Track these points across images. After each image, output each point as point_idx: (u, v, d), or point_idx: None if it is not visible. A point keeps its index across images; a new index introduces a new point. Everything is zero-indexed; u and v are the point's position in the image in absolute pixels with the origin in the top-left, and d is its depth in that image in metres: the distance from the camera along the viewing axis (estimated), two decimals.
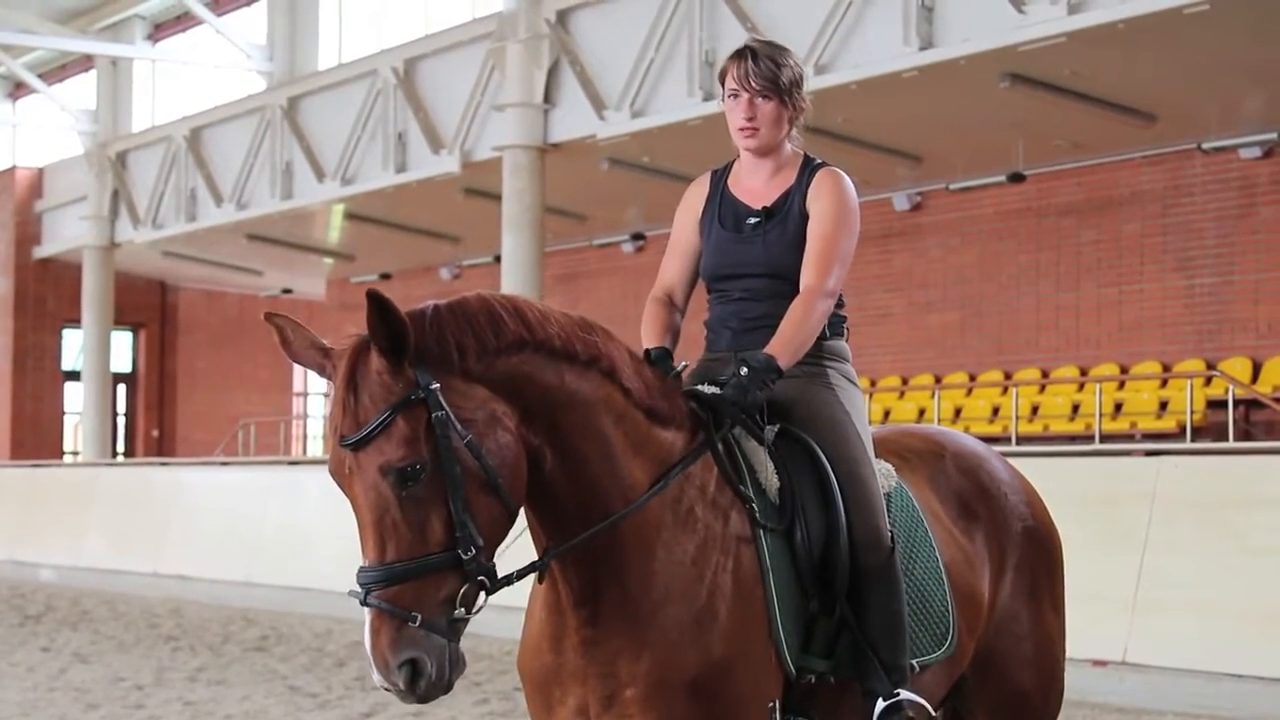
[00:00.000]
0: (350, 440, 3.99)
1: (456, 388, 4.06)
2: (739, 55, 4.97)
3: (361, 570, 4.00)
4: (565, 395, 4.26)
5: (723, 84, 5.01)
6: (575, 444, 4.28)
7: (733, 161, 5.13)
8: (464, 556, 3.99)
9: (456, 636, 4.02)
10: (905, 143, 22.72)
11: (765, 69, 4.91)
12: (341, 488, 4.09)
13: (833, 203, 4.91)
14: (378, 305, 3.95)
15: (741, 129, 4.96)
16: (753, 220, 4.97)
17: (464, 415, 4.04)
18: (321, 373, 4.17)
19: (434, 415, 3.99)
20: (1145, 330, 22.66)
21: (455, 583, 4.00)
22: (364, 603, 3.97)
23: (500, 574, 4.14)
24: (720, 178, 5.12)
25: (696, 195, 5.14)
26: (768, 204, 4.97)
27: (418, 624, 3.93)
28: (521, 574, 4.32)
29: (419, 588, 3.96)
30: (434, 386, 4.01)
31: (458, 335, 4.10)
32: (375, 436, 3.97)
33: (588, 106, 22.29)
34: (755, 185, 5.02)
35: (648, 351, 4.82)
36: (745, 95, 4.93)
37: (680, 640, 4.35)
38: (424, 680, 3.94)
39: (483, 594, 4.08)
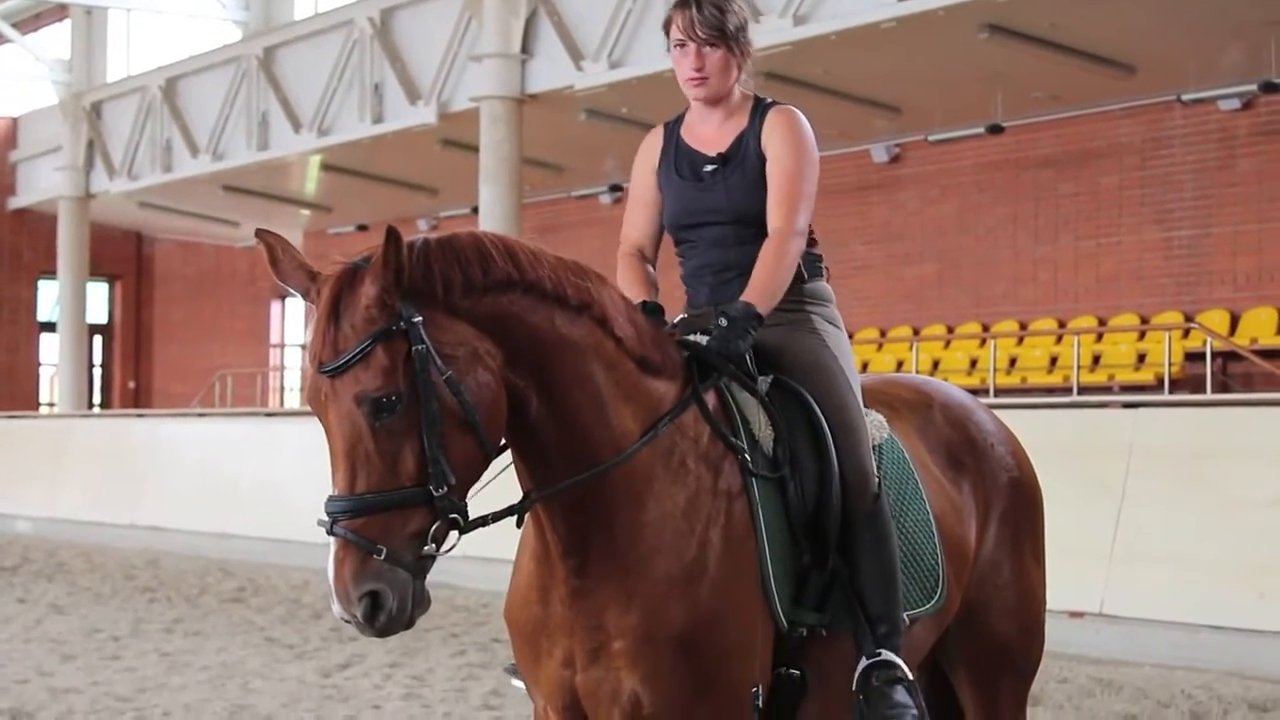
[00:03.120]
0: (328, 368, 3.95)
1: (440, 322, 4.01)
2: (683, 4, 4.90)
3: (330, 499, 3.95)
4: (554, 339, 4.21)
5: (667, 34, 4.95)
6: (563, 389, 4.23)
7: (685, 111, 5.08)
8: (435, 493, 3.95)
9: (423, 573, 3.98)
10: (884, 94, 22.69)
11: (710, 16, 4.85)
12: (317, 414, 4.04)
13: (789, 141, 4.86)
14: (395, 242, 3.91)
15: (690, 79, 4.91)
16: (710, 168, 4.93)
17: (445, 351, 4.00)
18: (305, 296, 4.11)
19: (414, 348, 3.95)
20: (1123, 283, 22.70)
21: (424, 518, 3.95)
22: (330, 531, 3.92)
23: (476, 515, 4.10)
24: (674, 128, 5.08)
25: (651, 147, 5.10)
26: (722, 150, 4.93)
27: (383, 556, 3.89)
28: (499, 516, 4.26)
29: (386, 521, 3.91)
30: (416, 319, 3.96)
31: (444, 269, 4.05)
32: (353, 365, 3.93)
33: (565, 57, 22.22)
34: (708, 132, 4.98)
35: (644, 303, 4.77)
36: (692, 45, 4.87)
37: (669, 593, 4.31)
38: (384, 614, 3.90)
39: (455, 533, 4.04)
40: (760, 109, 4.95)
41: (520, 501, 4.32)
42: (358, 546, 3.89)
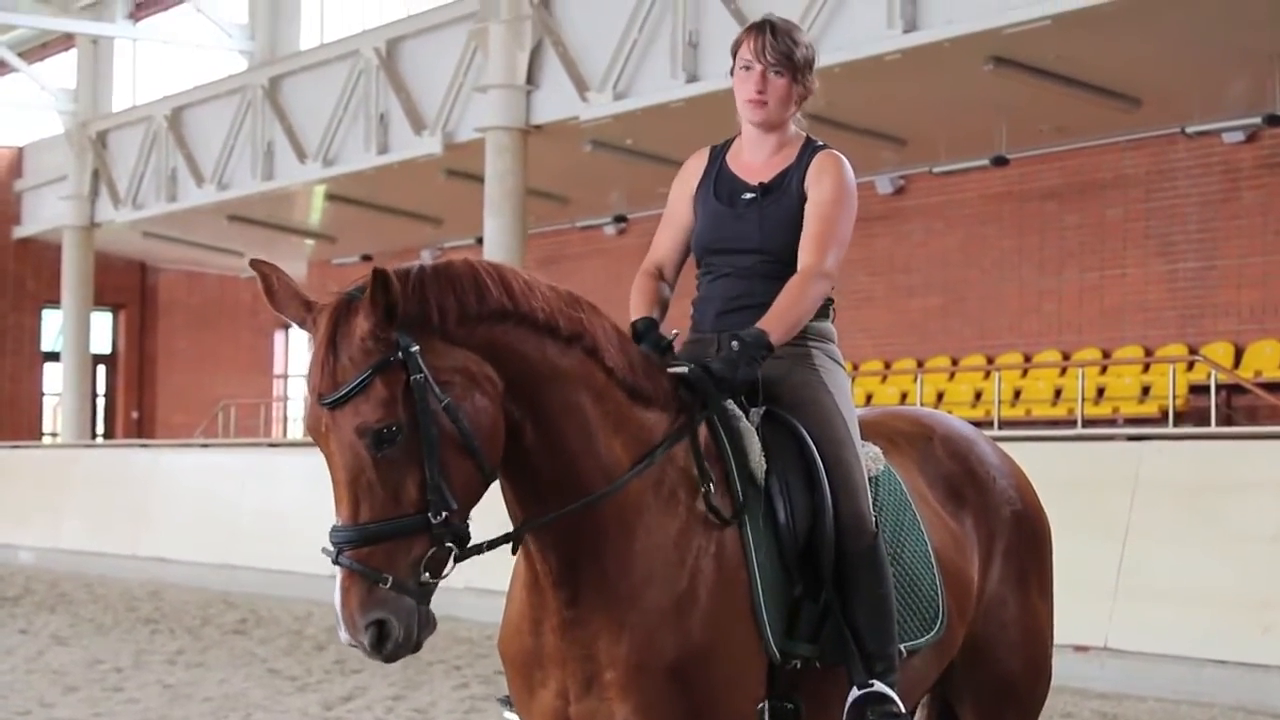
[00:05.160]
0: (328, 399, 3.98)
1: (436, 349, 4.04)
2: (758, 28, 4.96)
3: (334, 529, 3.99)
4: (546, 369, 4.24)
5: (734, 55, 5.00)
6: (555, 419, 4.26)
7: (733, 138, 5.11)
8: (433, 520, 3.99)
9: (427, 598, 4.02)
10: (889, 126, 22.71)
11: (782, 44, 4.91)
12: (318, 444, 4.07)
13: (833, 185, 4.89)
14: (381, 283, 3.93)
15: (751, 100, 4.94)
16: (748, 196, 4.95)
17: (442, 378, 4.03)
18: (302, 325, 4.14)
19: (413, 377, 3.98)
20: (1128, 315, 22.69)
21: (425, 545, 4.00)
22: (335, 561, 3.97)
23: (470, 544, 4.13)
24: (720, 153, 5.10)
25: (693, 169, 5.12)
26: (765, 180, 4.95)
27: (388, 585, 3.94)
28: (493, 544, 4.29)
29: (390, 549, 3.96)
30: (414, 349, 3.99)
31: (439, 297, 4.08)
32: (353, 397, 3.96)
33: (570, 88, 22.25)
34: (755, 161, 5.01)
35: (635, 323, 4.81)
36: (759, 67, 4.92)
37: (661, 624, 4.31)
38: (390, 641, 3.95)
39: (451, 559, 4.07)
40: (810, 149, 4.99)
41: (514, 530, 4.34)
42: (363, 576, 3.94)
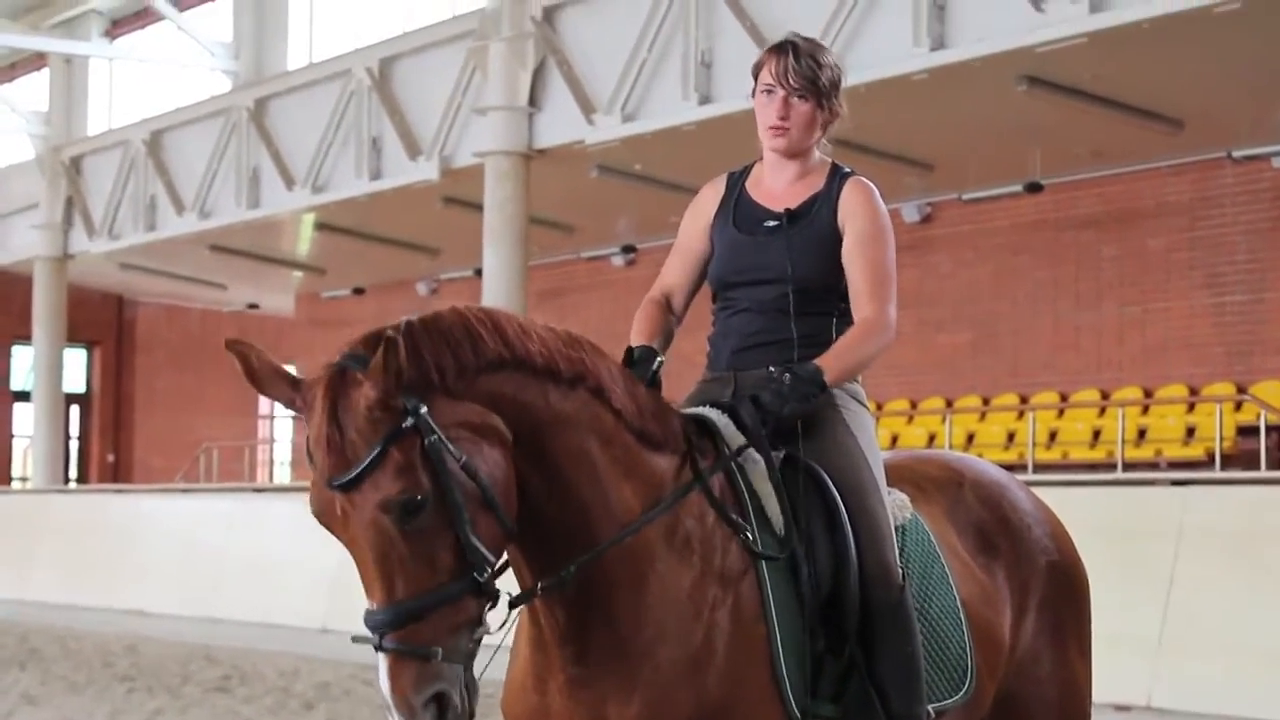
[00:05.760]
0: (341, 480, 3.96)
1: (442, 407, 4.04)
2: (779, 49, 4.98)
3: (370, 613, 3.99)
4: (549, 415, 4.25)
5: (755, 77, 5.01)
6: (562, 467, 4.27)
7: (752, 164, 5.12)
8: (480, 579, 4.01)
9: (471, 662, 4.05)
10: (915, 150, 22.74)
11: (806, 67, 4.92)
12: (331, 530, 4.06)
13: (870, 220, 4.91)
14: (393, 349, 3.92)
15: (773, 127, 4.96)
16: (771, 223, 4.95)
17: (453, 435, 4.03)
18: (290, 406, 4.11)
19: (427, 441, 3.97)
20: (1171, 351, 22.68)
21: (474, 608, 4.03)
22: (379, 648, 3.97)
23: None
24: (738, 180, 5.11)
25: (709, 198, 5.13)
26: (791, 206, 4.96)
27: (439, 658, 3.95)
28: (513, 604, 4.32)
29: (436, 621, 3.97)
30: (423, 410, 3.99)
31: (435, 355, 4.08)
32: (370, 473, 3.95)
33: (576, 110, 22.30)
34: (777, 188, 5.01)
35: (630, 350, 4.81)
36: (781, 92, 4.93)
37: (675, 681, 4.32)
38: (451, 713, 3.97)
39: (487, 617, 4.11)
40: (839, 176, 5.00)
41: (529, 591, 4.35)
42: (413, 656, 3.95)
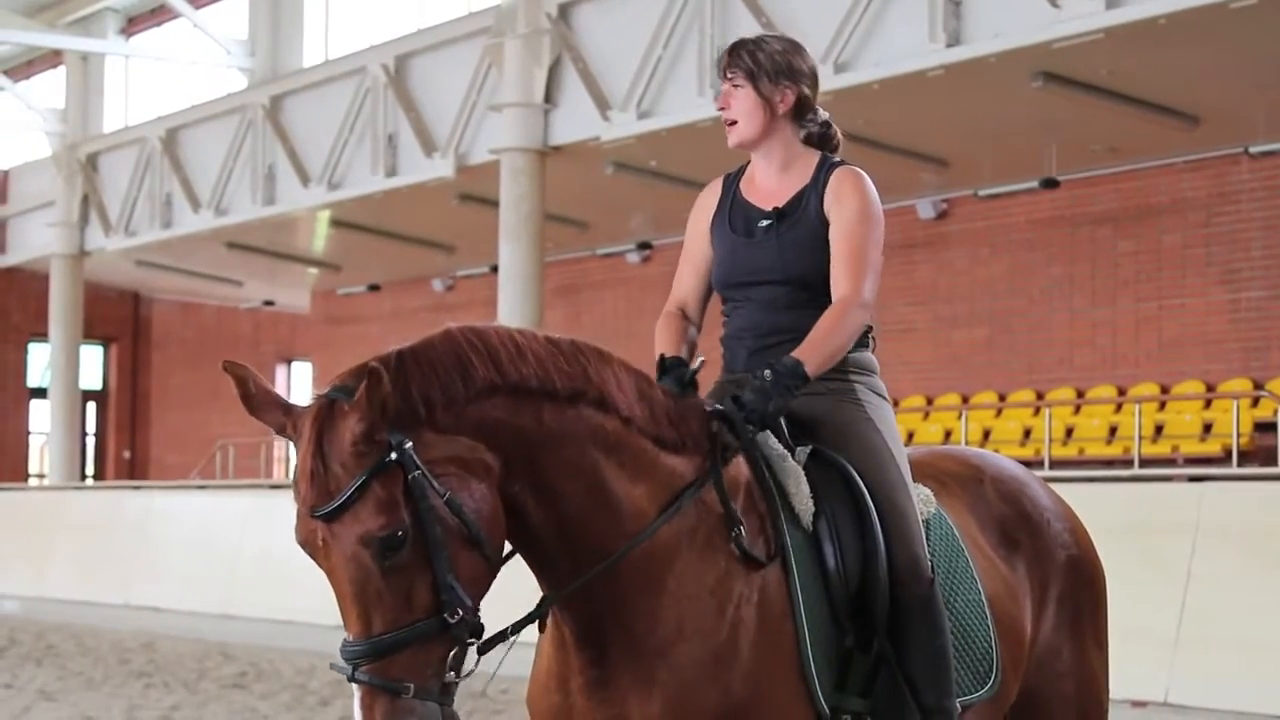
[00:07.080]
0: (322, 511, 3.98)
1: (428, 441, 4.04)
2: (725, 51, 5.03)
3: (346, 644, 4.01)
4: (542, 436, 4.23)
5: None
6: (556, 485, 4.25)
7: (746, 164, 5.12)
8: (450, 620, 4.01)
9: (450, 699, 4.05)
10: (930, 146, 22.72)
11: (742, 58, 4.95)
12: (314, 559, 4.08)
13: (857, 204, 4.87)
14: (378, 382, 3.92)
15: (725, 123, 5.01)
16: (765, 223, 4.95)
17: (438, 470, 4.03)
18: (281, 432, 4.12)
19: (410, 476, 3.97)
20: (1187, 347, 22.63)
21: (445, 647, 4.02)
22: (352, 679, 3.99)
23: (496, 624, 4.17)
24: (733, 181, 5.11)
25: (707, 201, 5.13)
26: (779, 204, 4.95)
27: (410, 694, 3.95)
28: (518, 627, 4.34)
29: (409, 657, 3.98)
30: (406, 445, 3.98)
31: (423, 388, 4.06)
32: (350, 505, 3.96)
33: (591, 107, 22.29)
34: (767, 186, 5.01)
35: (662, 357, 4.81)
36: (725, 87, 4.99)
37: (698, 678, 4.32)
38: None
39: (472, 654, 4.12)
40: (825, 166, 4.97)
41: (536, 608, 4.38)
42: (385, 690, 3.95)
